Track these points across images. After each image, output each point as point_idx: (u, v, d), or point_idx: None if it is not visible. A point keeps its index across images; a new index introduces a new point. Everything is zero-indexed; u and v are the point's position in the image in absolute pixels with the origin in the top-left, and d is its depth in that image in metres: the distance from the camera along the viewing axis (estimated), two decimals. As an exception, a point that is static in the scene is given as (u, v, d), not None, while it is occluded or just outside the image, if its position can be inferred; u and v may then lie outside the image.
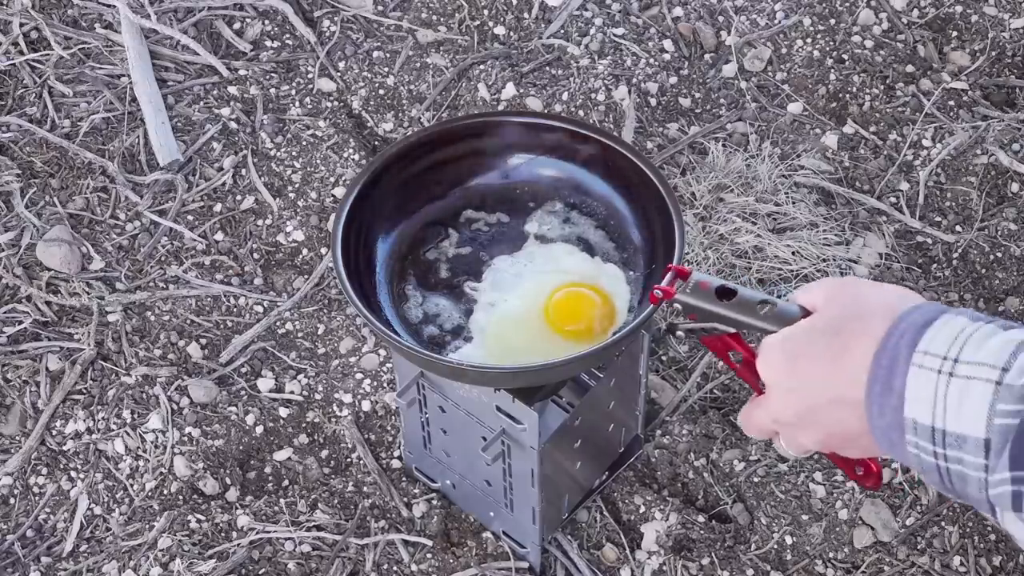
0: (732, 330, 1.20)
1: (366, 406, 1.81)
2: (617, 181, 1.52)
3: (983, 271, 1.93)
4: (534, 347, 1.43)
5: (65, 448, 1.78)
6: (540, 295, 1.45)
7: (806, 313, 1.14)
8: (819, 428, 1.08)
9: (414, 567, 1.69)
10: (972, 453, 0.97)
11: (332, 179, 2.00)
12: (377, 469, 1.75)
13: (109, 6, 2.16)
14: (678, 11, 2.18)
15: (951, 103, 2.08)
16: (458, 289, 1.50)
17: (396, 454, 1.77)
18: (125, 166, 2.02)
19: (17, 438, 1.80)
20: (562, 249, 1.51)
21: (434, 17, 2.16)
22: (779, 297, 1.16)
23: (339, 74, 2.11)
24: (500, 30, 2.15)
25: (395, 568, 1.69)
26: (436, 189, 1.54)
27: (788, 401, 1.08)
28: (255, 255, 1.95)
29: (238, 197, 1.99)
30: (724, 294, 1.21)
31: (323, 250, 1.95)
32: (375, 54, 2.13)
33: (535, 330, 1.44)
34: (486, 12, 2.16)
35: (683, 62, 2.13)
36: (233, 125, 2.06)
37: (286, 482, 1.77)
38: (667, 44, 2.14)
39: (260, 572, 1.68)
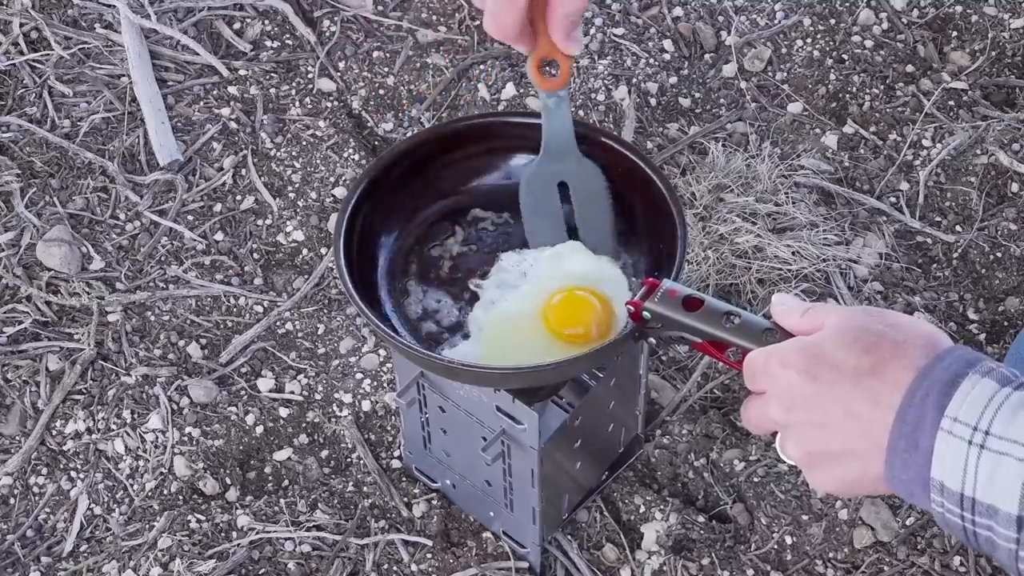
0: (699, 339, 1.21)
1: (366, 406, 1.81)
2: (621, 183, 1.52)
3: (983, 271, 1.93)
4: (530, 348, 1.42)
5: (65, 448, 1.78)
6: (541, 296, 1.45)
7: (782, 331, 1.14)
8: (817, 441, 1.07)
9: (414, 567, 1.69)
10: (1003, 525, 0.98)
11: (332, 179, 2.00)
12: (377, 469, 1.75)
13: (109, 6, 2.16)
14: (678, 11, 2.18)
15: (951, 103, 2.08)
16: (460, 286, 1.50)
17: (396, 454, 1.78)
18: (125, 166, 2.02)
19: (17, 438, 1.80)
20: (569, 250, 1.49)
21: (434, 17, 2.16)
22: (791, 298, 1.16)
23: (339, 74, 2.11)
24: (500, 30, 2.15)
25: (395, 568, 1.69)
26: (442, 187, 1.54)
27: (799, 404, 1.08)
28: (255, 255, 1.95)
29: (238, 197, 2.00)
30: (691, 304, 1.21)
31: (323, 250, 1.95)
32: (375, 54, 2.13)
33: (533, 331, 1.44)
34: (486, 12, 2.16)
35: (683, 62, 2.13)
36: (233, 125, 2.06)
37: (286, 482, 1.77)
38: (667, 44, 2.14)
39: (260, 572, 1.68)
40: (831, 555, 1.69)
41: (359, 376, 1.83)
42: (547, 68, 1.41)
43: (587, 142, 1.52)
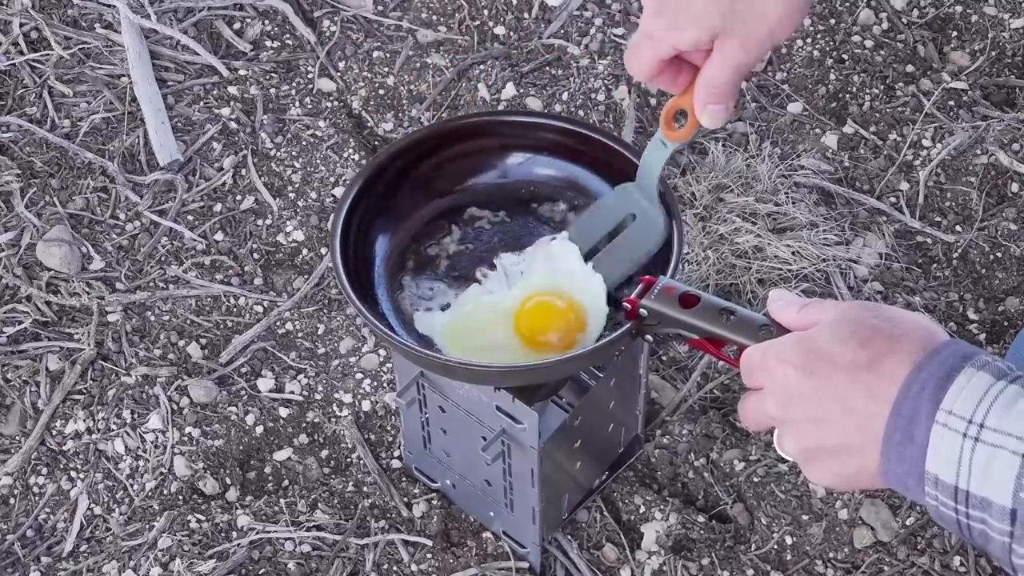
0: (696, 336, 1.21)
1: (366, 406, 1.81)
2: (619, 183, 1.52)
3: (983, 271, 1.93)
4: (493, 342, 1.42)
5: (65, 448, 1.78)
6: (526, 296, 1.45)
7: (778, 327, 1.15)
8: (814, 437, 1.07)
9: (414, 567, 1.69)
10: (997, 519, 0.98)
11: (332, 179, 2.00)
12: (377, 469, 1.75)
13: (109, 6, 2.16)
14: (678, 11, 2.17)
15: (951, 103, 2.08)
16: (458, 284, 1.49)
17: (396, 454, 1.78)
18: (125, 166, 2.02)
19: (17, 438, 1.80)
20: (563, 251, 1.48)
21: (434, 17, 2.16)
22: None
23: (339, 74, 2.11)
24: (500, 30, 2.15)
25: (395, 568, 1.69)
26: (439, 185, 1.54)
27: (796, 400, 1.08)
28: (255, 255, 1.95)
29: (238, 197, 2.00)
30: (688, 301, 1.22)
31: (323, 250, 1.95)
32: (375, 54, 2.13)
33: (504, 328, 1.43)
34: (486, 12, 2.16)
35: (683, 62, 2.13)
36: (233, 125, 2.06)
37: (286, 482, 1.77)
38: (667, 44, 2.13)
39: (260, 572, 1.68)
40: (831, 555, 1.69)
41: (359, 376, 1.83)
42: (680, 116, 1.34)
43: (586, 142, 1.52)
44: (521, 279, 1.47)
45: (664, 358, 1.85)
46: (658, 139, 1.37)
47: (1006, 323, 1.89)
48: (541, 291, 1.44)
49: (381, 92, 2.09)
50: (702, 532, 1.70)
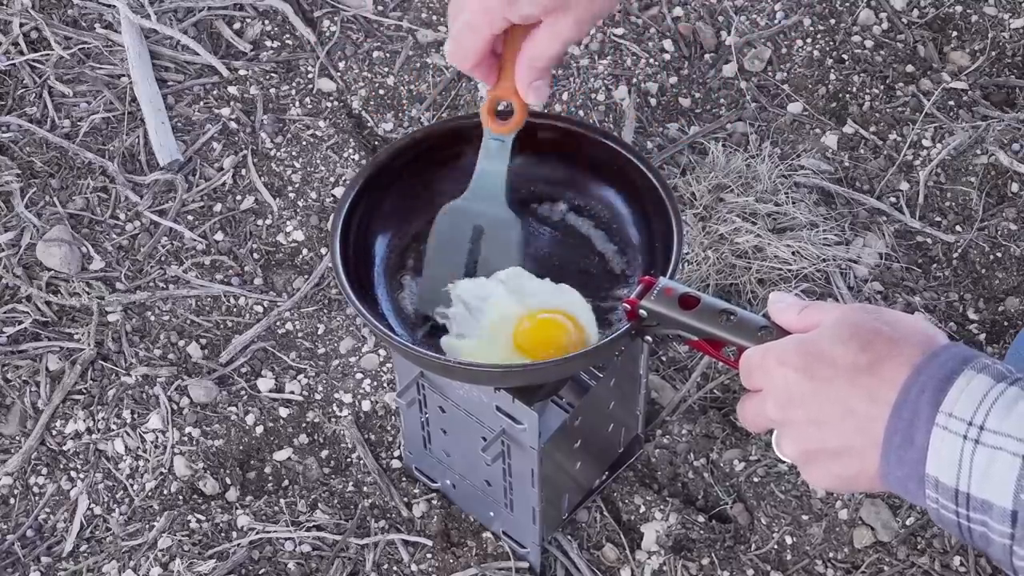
0: (695, 337, 1.21)
1: (366, 406, 1.81)
2: (618, 182, 1.52)
3: (983, 271, 1.93)
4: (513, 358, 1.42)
5: (65, 448, 1.78)
6: (509, 323, 1.43)
7: (779, 329, 1.15)
8: (814, 439, 1.07)
9: (414, 567, 1.69)
10: (998, 521, 0.98)
11: (332, 179, 2.00)
12: (377, 469, 1.75)
13: (109, 6, 2.16)
14: (678, 11, 2.18)
15: (951, 103, 2.08)
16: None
17: (396, 454, 1.78)
18: (125, 166, 2.02)
19: (17, 438, 1.80)
20: (518, 275, 1.46)
21: (434, 17, 2.16)
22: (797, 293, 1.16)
23: (339, 74, 2.11)
24: (500, 30, 2.15)
25: (395, 568, 1.69)
26: (438, 185, 1.54)
27: (796, 402, 1.08)
28: (255, 255, 1.95)
29: (238, 197, 2.00)
30: (687, 302, 1.22)
31: (323, 250, 1.95)
32: (375, 54, 2.13)
33: (507, 357, 1.43)
34: (486, 12, 2.16)
35: (683, 62, 2.13)
36: (233, 125, 2.06)
37: (286, 482, 1.77)
38: (667, 44, 2.14)
39: (260, 572, 1.68)
40: (831, 555, 1.69)
41: (359, 376, 1.83)
42: (502, 110, 1.38)
43: (584, 141, 1.52)
44: (489, 309, 1.43)
45: (664, 358, 1.85)
46: (492, 139, 1.39)
47: (1006, 323, 1.89)
48: (524, 313, 1.42)
49: (381, 92, 2.09)
50: (702, 532, 1.70)
